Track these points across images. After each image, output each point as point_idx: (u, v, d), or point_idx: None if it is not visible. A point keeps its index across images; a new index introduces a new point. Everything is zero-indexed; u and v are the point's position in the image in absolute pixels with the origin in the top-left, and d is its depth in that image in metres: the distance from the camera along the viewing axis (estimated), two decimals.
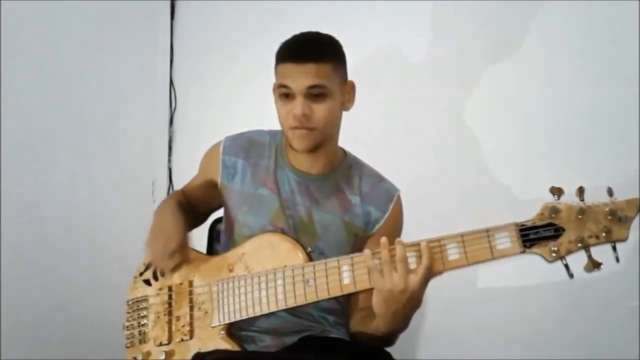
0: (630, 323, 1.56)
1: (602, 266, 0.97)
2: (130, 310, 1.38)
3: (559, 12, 1.69)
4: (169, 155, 2.41)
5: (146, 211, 2.25)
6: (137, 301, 1.37)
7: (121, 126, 2.26)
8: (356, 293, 1.16)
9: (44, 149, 2.00)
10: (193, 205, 1.44)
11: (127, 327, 1.37)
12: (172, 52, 2.42)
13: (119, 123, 2.25)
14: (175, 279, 1.32)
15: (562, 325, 1.66)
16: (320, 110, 1.23)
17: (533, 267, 1.65)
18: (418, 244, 1.06)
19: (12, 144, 1.88)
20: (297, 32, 1.43)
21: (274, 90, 1.31)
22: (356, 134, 1.86)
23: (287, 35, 1.40)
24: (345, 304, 1.34)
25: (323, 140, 1.28)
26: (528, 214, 1.03)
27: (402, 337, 1.85)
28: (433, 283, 1.67)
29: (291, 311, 1.24)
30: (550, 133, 1.69)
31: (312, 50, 1.24)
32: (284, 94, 1.25)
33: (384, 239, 1.07)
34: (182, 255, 1.27)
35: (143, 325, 1.34)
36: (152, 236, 1.29)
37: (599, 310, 1.62)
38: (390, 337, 1.20)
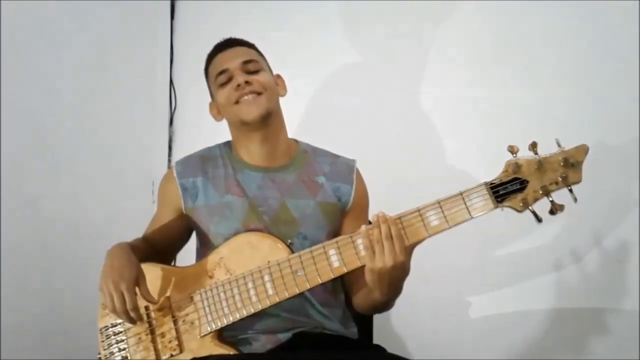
0: (630, 323, 1.56)
1: (564, 208, 1.07)
2: (104, 338, 1.32)
3: (557, 12, 1.69)
4: (169, 155, 2.41)
5: (146, 211, 2.26)
6: (111, 327, 1.32)
7: (121, 126, 2.26)
8: (350, 273, 1.21)
9: (44, 149, 2.00)
10: (158, 244, 1.41)
11: (106, 356, 1.31)
12: (172, 52, 2.42)
13: (119, 123, 2.25)
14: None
15: (563, 324, 1.66)
16: (259, 78, 1.34)
17: (534, 266, 1.68)
18: (398, 217, 1.12)
19: (12, 144, 1.88)
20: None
21: (211, 107, 1.43)
22: (345, 135, 1.89)
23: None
24: (335, 286, 1.36)
25: (270, 112, 1.32)
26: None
27: (400, 335, 1.86)
28: (432, 282, 1.70)
29: (282, 306, 1.24)
30: (550, 134, 1.69)
31: (237, 40, 1.42)
32: (223, 82, 1.35)
33: (376, 217, 1.11)
34: (133, 296, 1.17)
35: (123, 350, 1.30)
36: (102, 277, 1.20)
37: (599, 310, 1.62)
38: (388, 303, 1.25)
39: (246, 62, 1.35)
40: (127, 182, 2.27)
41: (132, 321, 1.21)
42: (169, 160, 2.40)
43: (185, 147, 2.34)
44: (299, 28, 2.06)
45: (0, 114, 1.85)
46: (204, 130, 2.27)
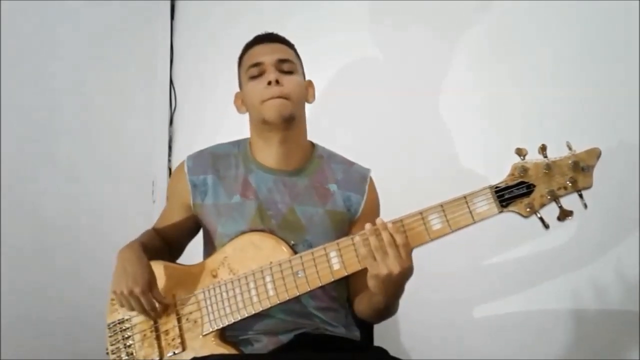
0: (630, 325, 1.56)
1: (573, 214, 1.04)
2: (112, 334, 1.34)
3: (555, 11, 1.69)
4: (169, 155, 2.41)
5: (146, 211, 2.27)
6: (118, 323, 1.34)
7: (121, 126, 2.26)
8: (353, 279, 1.22)
9: (44, 149, 2.00)
10: (168, 237, 1.43)
11: (113, 351, 1.33)
12: (172, 52, 2.42)
13: (119, 123, 2.25)
14: None
15: (564, 325, 1.66)
16: (290, 82, 1.31)
17: (534, 267, 1.68)
18: (400, 220, 1.10)
19: (12, 144, 1.88)
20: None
21: (236, 97, 1.39)
22: (346, 135, 1.89)
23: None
24: (339, 292, 1.35)
25: (294, 116, 1.31)
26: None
27: (401, 338, 1.85)
28: (432, 285, 1.70)
29: (284, 309, 1.24)
30: (551, 135, 1.69)
31: (278, 36, 1.38)
32: (254, 75, 1.32)
33: (369, 225, 1.10)
34: (148, 298, 1.23)
35: (129, 346, 1.32)
36: (116, 281, 1.24)
37: (600, 310, 1.62)
38: (392, 307, 1.24)
39: (282, 61, 1.32)
40: (127, 182, 2.27)
41: (153, 318, 1.29)
42: (169, 160, 2.40)
43: (186, 147, 2.35)
44: (299, 29, 2.06)
45: (0, 114, 1.85)
46: (204, 130, 2.30)
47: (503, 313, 1.74)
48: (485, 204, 1.07)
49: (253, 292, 1.20)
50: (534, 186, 1.05)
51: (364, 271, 1.13)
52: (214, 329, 1.24)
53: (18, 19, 1.91)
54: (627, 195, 1.56)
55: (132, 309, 1.25)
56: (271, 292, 1.19)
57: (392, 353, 1.25)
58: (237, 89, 1.41)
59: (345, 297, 1.37)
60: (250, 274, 1.21)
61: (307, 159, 1.37)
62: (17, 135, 1.90)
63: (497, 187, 1.07)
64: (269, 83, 1.28)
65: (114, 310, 1.34)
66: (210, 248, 1.36)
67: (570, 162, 1.04)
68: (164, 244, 1.42)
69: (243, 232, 1.28)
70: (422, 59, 1.89)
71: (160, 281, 1.29)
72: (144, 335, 1.30)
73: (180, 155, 2.35)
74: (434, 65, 1.87)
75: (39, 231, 1.96)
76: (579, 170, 1.04)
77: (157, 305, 1.25)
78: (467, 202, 1.07)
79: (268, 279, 1.19)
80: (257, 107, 1.30)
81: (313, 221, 1.30)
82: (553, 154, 1.07)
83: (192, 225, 1.41)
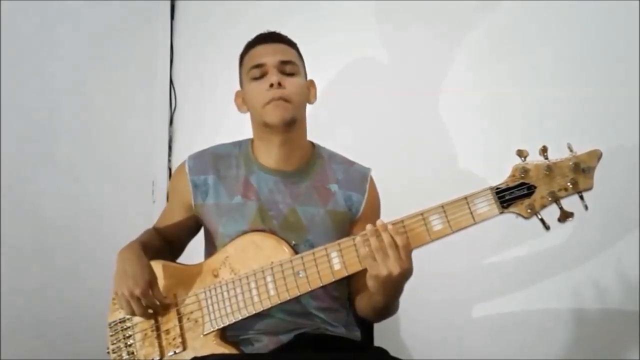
0: (630, 325, 1.56)
1: (573, 215, 1.04)
2: (113, 333, 1.35)
3: (555, 11, 1.69)
4: (169, 155, 2.41)
5: (146, 211, 2.27)
6: (119, 322, 1.34)
7: (121, 126, 2.26)
8: (354, 278, 1.22)
9: (44, 149, 2.00)
10: (169, 237, 1.43)
11: (114, 350, 1.34)
12: (172, 52, 2.42)
13: (119, 123, 2.25)
14: None
15: (564, 325, 1.66)
16: (292, 84, 1.30)
17: (534, 267, 1.68)
18: (401, 221, 1.11)
19: (12, 144, 1.88)
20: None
21: (237, 95, 1.38)
22: (345, 135, 1.89)
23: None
24: (341, 291, 1.35)
25: (296, 119, 1.30)
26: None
27: (402, 339, 1.85)
28: (432, 286, 1.70)
29: (285, 309, 1.24)
30: (552, 135, 1.69)
31: (281, 36, 1.37)
32: (256, 77, 1.31)
33: (370, 226, 1.10)
34: (149, 298, 1.23)
35: (130, 345, 1.32)
36: (117, 282, 1.24)
37: (600, 310, 1.62)
38: (392, 306, 1.25)
39: (284, 63, 1.30)
40: (127, 182, 2.27)
41: (153, 318, 1.30)
42: (169, 160, 2.41)
43: (186, 147, 2.36)
44: (299, 29, 2.06)
45: (0, 114, 1.85)
46: (204, 130, 2.30)
47: (503, 313, 1.74)
48: (486, 205, 1.07)
49: (254, 291, 1.21)
50: (535, 187, 1.06)
51: (364, 271, 1.13)
52: (214, 329, 1.24)
53: (18, 19, 1.91)
54: (627, 195, 1.56)
55: (133, 313, 1.24)
56: (272, 292, 1.19)
57: (392, 353, 1.25)
58: (237, 89, 1.41)
59: (346, 297, 1.37)
60: (252, 273, 1.21)
61: (308, 159, 1.37)
62: (17, 135, 1.90)
63: (498, 188, 1.07)
64: (271, 85, 1.27)
65: (116, 309, 1.34)
66: (211, 248, 1.36)
67: (571, 163, 1.04)
68: (165, 243, 1.43)
69: (244, 232, 1.28)
70: (422, 59, 1.89)
71: (161, 281, 1.29)
72: (145, 334, 1.31)
73: (180, 155, 2.36)
74: (434, 65, 1.87)
75: (39, 231, 1.97)
76: (579, 172, 1.04)
77: (157, 304, 1.25)
78: (468, 203, 1.08)
79: (269, 278, 1.19)
80: (259, 109, 1.30)
81: (314, 221, 1.30)
82: (553, 154, 1.08)
83: (192, 225, 1.41)
